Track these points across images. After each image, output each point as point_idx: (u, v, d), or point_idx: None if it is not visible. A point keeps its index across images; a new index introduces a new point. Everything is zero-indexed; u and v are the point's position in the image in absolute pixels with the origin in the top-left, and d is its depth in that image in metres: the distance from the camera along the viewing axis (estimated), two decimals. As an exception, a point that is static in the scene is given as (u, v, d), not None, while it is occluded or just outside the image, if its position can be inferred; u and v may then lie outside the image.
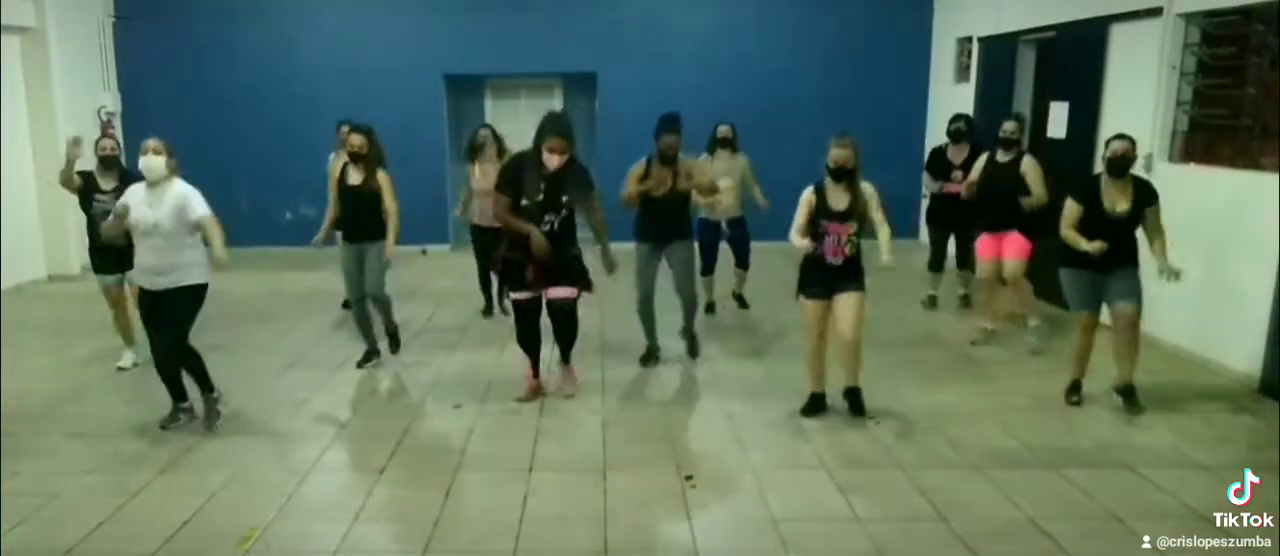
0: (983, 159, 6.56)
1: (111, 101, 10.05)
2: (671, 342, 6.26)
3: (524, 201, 5.01)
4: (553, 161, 4.97)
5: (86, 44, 9.80)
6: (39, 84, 9.02)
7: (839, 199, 4.80)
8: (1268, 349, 5.42)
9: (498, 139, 7.10)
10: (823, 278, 4.90)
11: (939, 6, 10.48)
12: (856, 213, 4.80)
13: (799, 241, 4.85)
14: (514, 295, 5.25)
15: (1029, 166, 6.29)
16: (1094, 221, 4.98)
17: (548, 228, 5.03)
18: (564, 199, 5.05)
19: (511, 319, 5.36)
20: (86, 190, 5.74)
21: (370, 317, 6.08)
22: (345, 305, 7.50)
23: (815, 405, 5.12)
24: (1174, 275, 4.89)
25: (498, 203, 5.15)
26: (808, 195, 4.87)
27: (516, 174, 5.08)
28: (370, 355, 6.14)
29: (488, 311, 7.41)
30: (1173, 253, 4.98)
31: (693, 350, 6.23)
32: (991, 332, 6.58)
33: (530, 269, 5.12)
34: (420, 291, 8.34)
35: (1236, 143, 6.06)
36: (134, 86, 10.18)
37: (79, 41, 9.61)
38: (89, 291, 7.93)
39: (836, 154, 4.75)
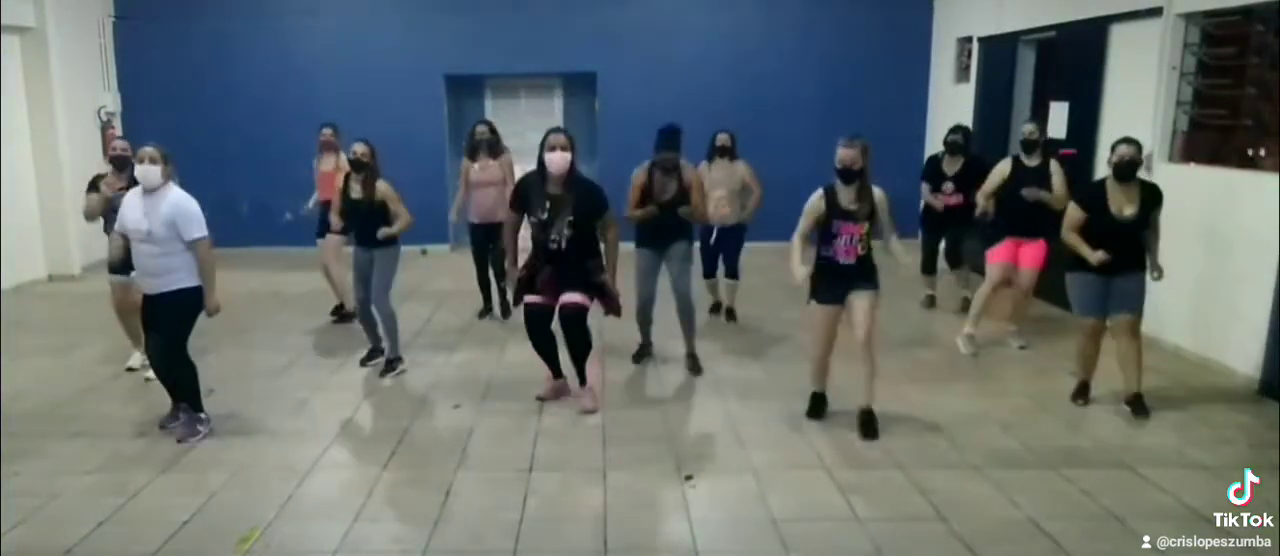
0: (1006, 163, 6.27)
1: (111, 101, 10.07)
2: (664, 341, 6.24)
3: (531, 219, 5.05)
4: (555, 161, 4.95)
5: (86, 44, 9.80)
6: (39, 84, 9.02)
7: (850, 198, 4.66)
8: (1268, 349, 5.43)
9: (495, 135, 7.17)
10: (835, 280, 4.76)
11: (939, 6, 10.48)
12: (867, 213, 4.64)
13: (797, 270, 4.72)
14: (527, 299, 5.21)
15: (1056, 170, 6.09)
16: (1101, 226, 4.95)
17: (555, 245, 4.99)
18: (570, 218, 4.97)
19: (515, 321, 5.31)
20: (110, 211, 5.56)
21: (374, 318, 6.03)
22: (333, 312, 7.48)
23: (818, 405, 5.09)
24: (1160, 273, 5.07)
25: (506, 220, 5.35)
26: (814, 201, 4.71)
27: (524, 192, 5.14)
28: (374, 353, 6.14)
29: (485, 313, 7.45)
30: (1173, 252, 5.01)
31: (695, 369, 5.98)
32: (972, 338, 6.32)
33: (543, 274, 5.07)
34: (420, 292, 8.33)
35: (1236, 143, 6.06)
36: (134, 86, 10.19)
37: (79, 41, 9.61)
38: (89, 291, 7.96)
39: (843, 154, 4.60)
